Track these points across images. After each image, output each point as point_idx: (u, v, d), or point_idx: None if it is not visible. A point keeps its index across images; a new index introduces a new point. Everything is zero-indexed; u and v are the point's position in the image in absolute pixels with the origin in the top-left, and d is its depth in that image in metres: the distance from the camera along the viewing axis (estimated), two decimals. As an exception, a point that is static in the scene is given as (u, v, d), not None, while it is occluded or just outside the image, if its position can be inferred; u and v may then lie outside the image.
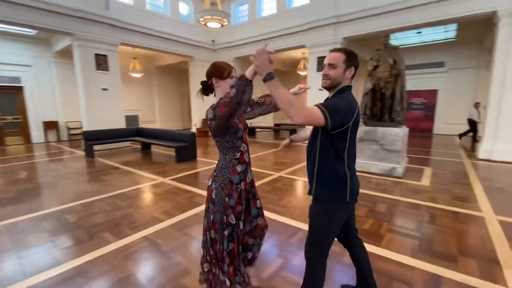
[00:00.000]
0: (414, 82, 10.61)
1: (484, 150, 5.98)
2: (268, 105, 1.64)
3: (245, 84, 1.25)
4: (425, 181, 4.28)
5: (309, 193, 1.41)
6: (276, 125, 13.59)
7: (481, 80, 9.59)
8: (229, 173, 1.47)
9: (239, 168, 1.49)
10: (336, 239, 1.49)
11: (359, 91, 6.74)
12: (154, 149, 7.91)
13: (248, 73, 1.25)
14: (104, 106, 7.80)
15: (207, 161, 6.02)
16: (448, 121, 10.79)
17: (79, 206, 3.37)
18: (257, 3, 10.14)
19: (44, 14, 6.46)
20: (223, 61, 1.54)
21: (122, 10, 8.00)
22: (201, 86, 1.56)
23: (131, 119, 12.22)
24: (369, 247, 2.28)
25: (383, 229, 2.64)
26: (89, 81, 7.47)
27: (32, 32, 8.39)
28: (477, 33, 8.90)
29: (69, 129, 10.28)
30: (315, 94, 6.85)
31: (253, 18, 10.21)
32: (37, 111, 9.55)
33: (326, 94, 1.42)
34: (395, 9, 6.64)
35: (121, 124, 8.28)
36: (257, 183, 4.26)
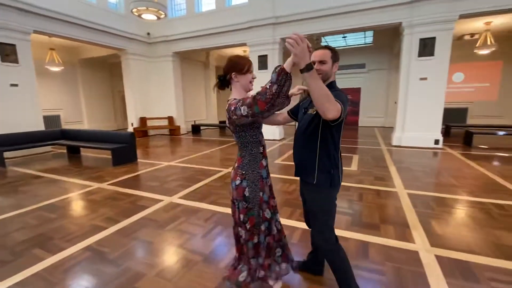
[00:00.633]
0: (342, 81, 11.99)
1: (395, 138, 7.22)
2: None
3: (285, 78, 1.20)
4: (354, 166, 4.96)
5: (311, 181, 1.47)
6: (221, 122, 13.57)
7: (392, 80, 11.46)
8: (258, 168, 1.47)
9: (264, 162, 1.51)
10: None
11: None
12: (85, 153, 7.03)
13: (286, 65, 1.19)
14: (14, 105, 6.51)
15: (150, 163, 5.68)
16: (369, 115, 12.55)
17: (-8, 224, 2.82)
18: (195, -2, 9.87)
19: None
20: (241, 55, 1.48)
21: (33, -8, 6.77)
22: (216, 80, 1.51)
23: (52, 120, 10.53)
24: (313, 227, 2.58)
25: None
26: (-8, 75, 6.15)
27: None
28: (388, 40, 10.59)
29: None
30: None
31: (192, 12, 9.91)
32: None
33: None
34: (325, 14, 7.36)
35: (39, 126, 7.06)
36: (207, 180, 4.26)
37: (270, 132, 8.44)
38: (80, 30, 7.96)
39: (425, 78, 6.63)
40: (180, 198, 3.50)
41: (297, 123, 1.64)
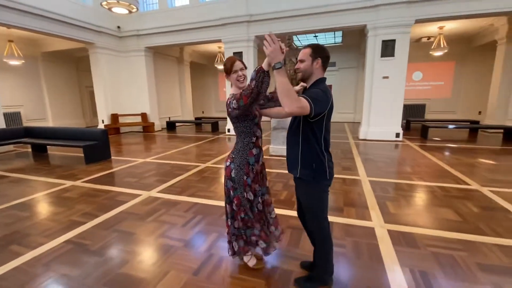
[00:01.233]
0: (314, 78, 12.47)
1: (362, 132, 7.79)
2: (276, 101, 1.79)
3: (263, 76, 1.41)
4: (324, 158, 5.34)
5: (295, 175, 1.59)
6: (197, 118, 13.50)
7: (360, 78, 12.19)
8: (246, 155, 1.70)
9: (254, 151, 1.72)
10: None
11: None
12: (52, 151, 6.71)
13: (264, 64, 1.38)
14: (-31, 101, 6.04)
15: (125, 160, 5.61)
16: (340, 110, 13.24)
17: (-41, 225, 2.72)
18: (168, -8, 9.69)
19: None
20: (228, 58, 1.72)
21: (-14, -22, 6.25)
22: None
23: (11, 117, 9.80)
24: (286, 212, 2.85)
25: (294, 197, 3.28)
26: None
27: None
28: (356, 40, 11.23)
29: None
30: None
31: (164, 7, 9.72)
32: None
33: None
34: (296, 14, 7.67)
35: (-2, 124, 6.61)
36: (185, 175, 4.37)
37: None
38: (42, 22, 7.48)
39: (387, 77, 7.22)
40: (159, 192, 3.59)
41: None
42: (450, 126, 8.03)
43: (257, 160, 1.74)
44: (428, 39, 10.27)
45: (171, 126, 11.12)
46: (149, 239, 2.39)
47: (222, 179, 4.23)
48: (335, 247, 2.16)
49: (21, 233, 2.51)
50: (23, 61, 9.15)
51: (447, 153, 5.78)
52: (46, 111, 11.32)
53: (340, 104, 13.19)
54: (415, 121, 10.31)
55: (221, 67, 11.95)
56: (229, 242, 1.85)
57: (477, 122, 9.26)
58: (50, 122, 11.30)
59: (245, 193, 1.71)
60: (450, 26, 8.63)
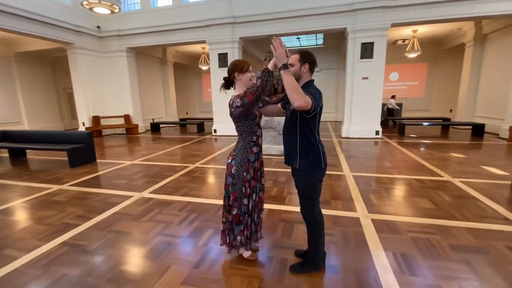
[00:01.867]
0: (297, 79, 12.79)
1: (344, 130, 8.14)
2: (273, 104, 1.96)
3: (268, 75, 1.56)
4: (310, 156, 5.56)
5: (295, 166, 1.73)
6: (181, 119, 13.38)
7: (341, 79, 12.64)
8: (247, 153, 1.81)
9: (255, 149, 1.83)
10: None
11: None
12: (31, 156, 6.46)
13: (270, 65, 1.55)
14: None
15: (111, 162, 5.53)
16: (323, 110, 13.64)
17: None
18: (150, -8, 9.57)
19: None
20: (241, 59, 1.85)
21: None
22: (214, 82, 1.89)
23: (-18, 121, 9.25)
24: (277, 207, 3.00)
25: (285, 193, 3.46)
26: None
27: None
28: (337, 42, 11.65)
29: None
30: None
31: (147, 7, 9.59)
32: None
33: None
34: (279, 17, 7.87)
35: (-29, 128, 6.25)
36: (175, 176, 4.41)
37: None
38: (16, 21, 7.15)
39: (367, 78, 7.61)
40: (151, 193, 3.62)
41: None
42: (425, 124, 8.58)
43: (257, 158, 1.86)
44: (403, 42, 10.88)
45: (155, 127, 10.97)
46: (146, 237, 2.44)
47: (213, 179, 4.32)
48: (326, 237, 2.34)
49: (13, 238, 2.47)
50: (-5, 62, 8.67)
51: (422, 149, 6.20)
52: (21, 114, 10.76)
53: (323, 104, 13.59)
54: (393, 119, 10.84)
55: (205, 67, 11.96)
56: (223, 231, 1.96)
57: (448, 120, 9.95)
58: (25, 125, 10.76)
59: (243, 188, 1.83)
60: (423, 29, 9.21)
